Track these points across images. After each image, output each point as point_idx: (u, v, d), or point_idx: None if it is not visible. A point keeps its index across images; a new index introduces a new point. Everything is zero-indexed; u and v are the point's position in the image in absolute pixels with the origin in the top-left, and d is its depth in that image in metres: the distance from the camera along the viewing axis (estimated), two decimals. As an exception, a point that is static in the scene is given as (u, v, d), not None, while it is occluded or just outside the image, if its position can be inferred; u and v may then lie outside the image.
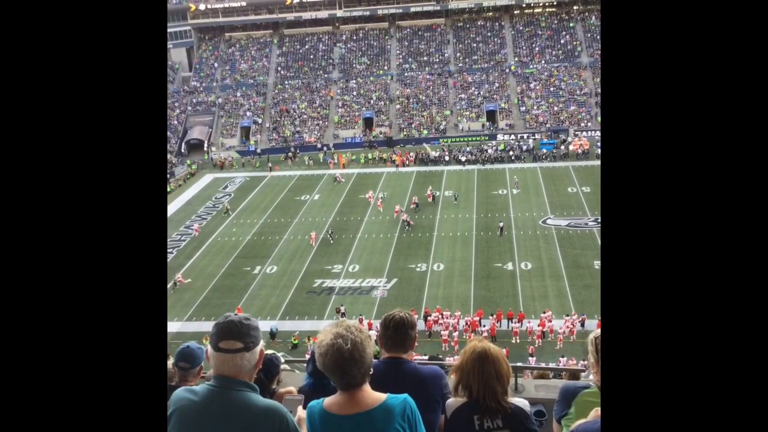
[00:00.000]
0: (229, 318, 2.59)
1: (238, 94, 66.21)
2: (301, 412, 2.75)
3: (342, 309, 30.34)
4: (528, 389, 5.00)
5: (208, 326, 27.95)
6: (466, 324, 28.67)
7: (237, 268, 36.41)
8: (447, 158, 53.60)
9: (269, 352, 3.33)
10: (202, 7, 69.31)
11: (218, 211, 45.74)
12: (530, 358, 25.65)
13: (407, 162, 53.30)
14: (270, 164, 55.35)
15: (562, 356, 25.48)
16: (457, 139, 58.25)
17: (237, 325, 2.55)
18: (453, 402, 3.26)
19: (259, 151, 59.48)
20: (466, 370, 3.19)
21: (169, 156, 58.92)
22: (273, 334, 28.26)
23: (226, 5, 69.34)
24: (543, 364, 21.38)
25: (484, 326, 28.47)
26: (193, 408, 2.46)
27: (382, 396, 2.56)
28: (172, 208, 47.10)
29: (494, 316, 29.05)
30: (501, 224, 38.75)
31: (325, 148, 58.67)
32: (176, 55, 71.34)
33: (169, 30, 70.12)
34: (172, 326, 30.63)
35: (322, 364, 2.53)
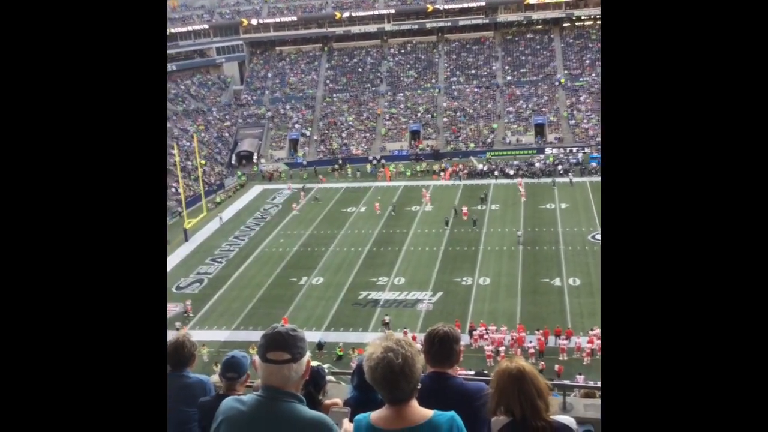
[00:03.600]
0: (277, 329, 2.62)
1: (288, 107, 67.22)
2: (348, 425, 2.75)
3: (387, 319, 30.40)
4: (577, 408, 4.90)
5: (255, 335, 28.29)
6: (512, 339, 28.28)
7: (284, 279, 36.73)
8: (496, 173, 53.18)
9: (315, 363, 3.34)
10: (254, 22, 70.79)
11: (267, 222, 46.42)
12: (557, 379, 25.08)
13: (461, 174, 53.14)
14: (320, 176, 56.00)
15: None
16: (505, 153, 57.81)
17: (284, 336, 2.57)
18: (497, 421, 3.22)
19: (305, 162, 60.20)
20: (505, 393, 3.14)
21: (219, 167, 60.12)
22: (321, 346, 28.43)
23: (278, 20, 70.65)
24: (591, 383, 20.90)
25: (531, 342, 28.02)
26: (241, 418, 2.50)
27: (429, 412, 2.54)
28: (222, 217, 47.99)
29: (540, 331, 28.55)
30: (519, 233, 38.88)
31: (374, 160, 59.06)
32: (228, 69, 72.95)
33: (221, 44, 71.79)
34: (221, 335, 31.09)
35: (371, 378, 2.52)
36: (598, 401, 5.37)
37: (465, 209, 43.93)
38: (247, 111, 67.67)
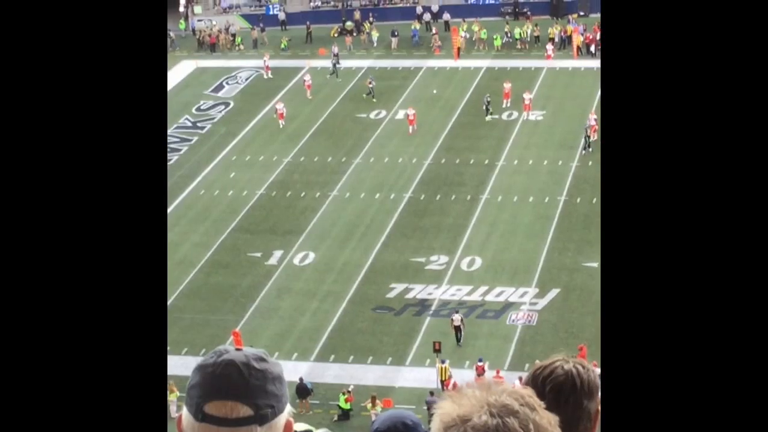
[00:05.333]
0: (226, 357, 2.58)
1: None
2: None
3: (458, 319, 30.57)
4: None
5: (179, 365, 28.70)
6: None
7: (236, 253, 37.31)
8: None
9: (301, 428, 3.37)
10: None
11: (204, 136, 46.48)
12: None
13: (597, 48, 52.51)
14: (337, 45, 55.59)
15: None
16: None
17: (241, 370, 2.55)
18: None
19: (284, 16, 60.30)
20: None
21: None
22: (305, 390, 28.86)
23: None
24: None
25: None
26: None
27: None
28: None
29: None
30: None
31: (426, 14, 58.86)
32: None
33: None
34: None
35: None
36: None
37: (594, 120, 43.47)
38: None
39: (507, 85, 48.28)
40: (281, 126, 47.13)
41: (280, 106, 47.83)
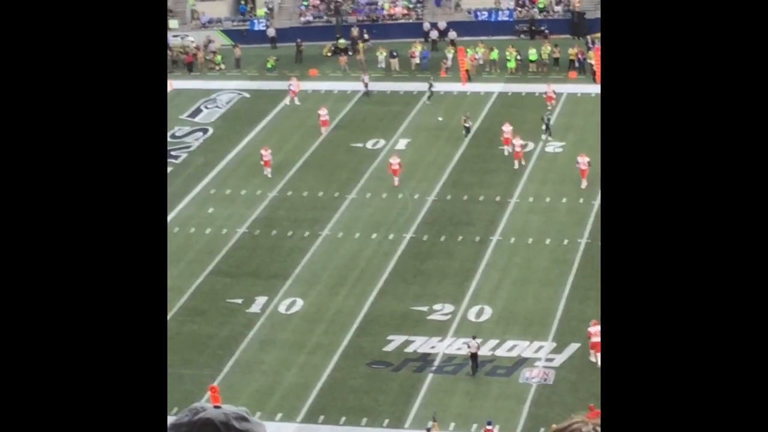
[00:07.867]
0: (203, 416, 2.69)
1: None
2: None
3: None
4: None
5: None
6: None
7: (213, 299, 37.34)
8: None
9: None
10: None
11: (180, 165, 46.16)
12: None
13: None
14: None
15: None
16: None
17: (220, 430, 2.65)
18: None
19: (273, 32, 60.50)
20: None
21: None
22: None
23: None
24: None
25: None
26: None
27: None
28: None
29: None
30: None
31: (432, 32, 59.00)
32: None
33: None
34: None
35: None
36: None
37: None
38: None
39: (507, 129, 46.73)
40: (267, 175, 46.19)
41: (266, 153, 46.13)
